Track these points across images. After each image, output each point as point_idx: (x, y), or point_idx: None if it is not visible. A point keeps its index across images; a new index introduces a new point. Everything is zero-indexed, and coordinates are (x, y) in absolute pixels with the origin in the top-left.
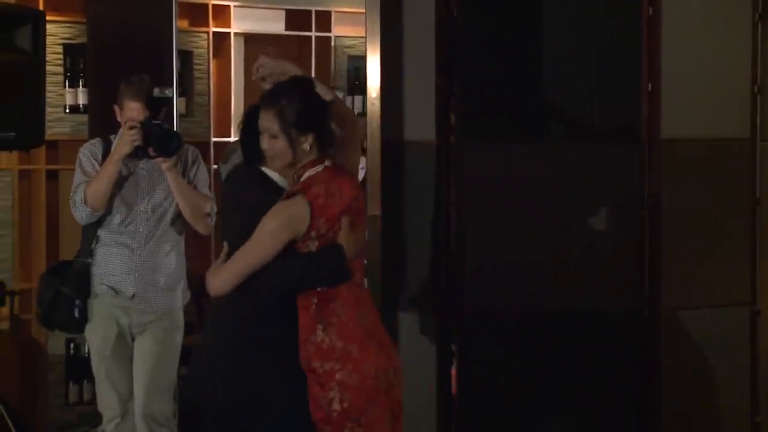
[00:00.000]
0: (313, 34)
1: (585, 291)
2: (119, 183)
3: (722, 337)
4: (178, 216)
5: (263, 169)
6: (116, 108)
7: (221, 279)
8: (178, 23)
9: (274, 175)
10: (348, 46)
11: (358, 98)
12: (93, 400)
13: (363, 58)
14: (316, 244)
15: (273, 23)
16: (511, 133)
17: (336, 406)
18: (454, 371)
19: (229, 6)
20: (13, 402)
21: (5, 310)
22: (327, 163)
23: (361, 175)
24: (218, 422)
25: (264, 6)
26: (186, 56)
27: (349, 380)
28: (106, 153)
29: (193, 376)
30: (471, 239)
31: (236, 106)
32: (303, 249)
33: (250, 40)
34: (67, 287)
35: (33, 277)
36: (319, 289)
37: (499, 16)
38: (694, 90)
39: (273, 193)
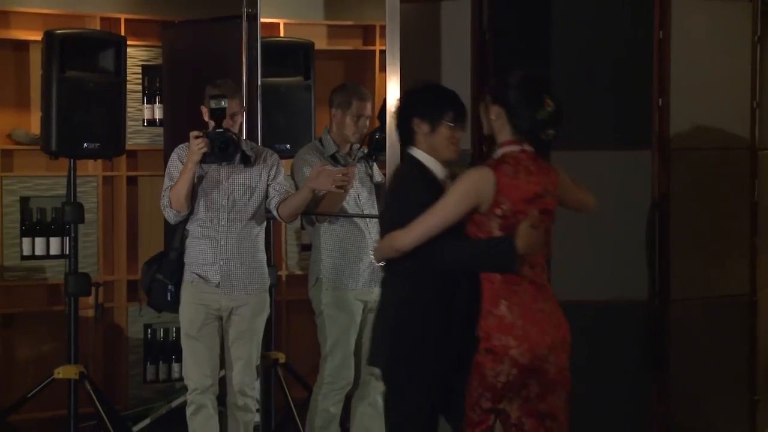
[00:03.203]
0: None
1: (601, 283)
2: (204, 183)
3: (724, 325)
4: (258, 208)
5: (413, 152)
6: (203, 109)
7: (403, 238)
8: None
9: (423, 157)
10: None
11: None
12: (168, 379)
13: None
14: (498, 224)
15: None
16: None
17: (503, 378)
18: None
19: None
20: (99, 380)
21: (91, 299)
22: (526, 147)
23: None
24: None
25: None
26: None
27: (521, 359)
28: None
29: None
30: None
31: None
32: (486, 224)
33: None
34: (161, 274)
35: (115, 270)
36: None
37: (528, 38)
38: (700, 104)
39: (414, 172)
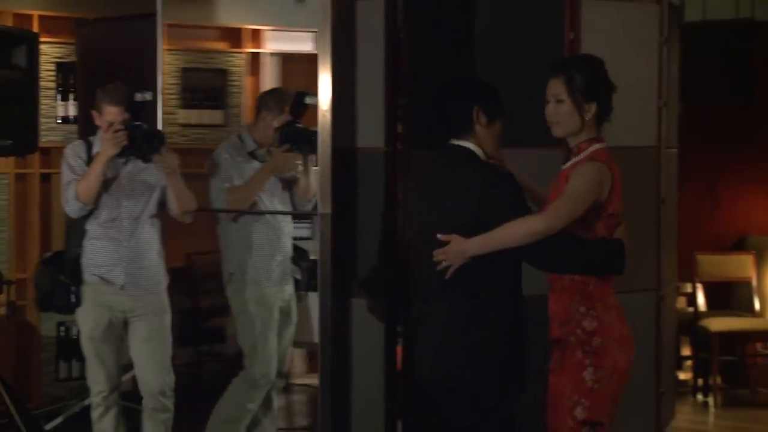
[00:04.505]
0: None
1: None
2: (106, 183)
3: (632, 319)
4: (157, 210)
5: (468, 145)
6: (94, 113)
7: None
8: (218, 45)
9: (477, 151)
10: None
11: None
12: (81, 377)
13: None
14: (605, 224)
15: (303, 44)
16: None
17: (606, 383)
18: (399, 349)
19: (261, 30)
20: (10, 378)
21: (3, 297)
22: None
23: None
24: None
25: (295, 29)
26: (222, 74)
27: (620, 364)
28: (88, 153)
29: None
30: None
31: None
32: (593, 223)
33: (283, 59)
34: (64, 275)
35: (28, 267)
36: None
37: (441, 37)
38: None
39: (473, 165)
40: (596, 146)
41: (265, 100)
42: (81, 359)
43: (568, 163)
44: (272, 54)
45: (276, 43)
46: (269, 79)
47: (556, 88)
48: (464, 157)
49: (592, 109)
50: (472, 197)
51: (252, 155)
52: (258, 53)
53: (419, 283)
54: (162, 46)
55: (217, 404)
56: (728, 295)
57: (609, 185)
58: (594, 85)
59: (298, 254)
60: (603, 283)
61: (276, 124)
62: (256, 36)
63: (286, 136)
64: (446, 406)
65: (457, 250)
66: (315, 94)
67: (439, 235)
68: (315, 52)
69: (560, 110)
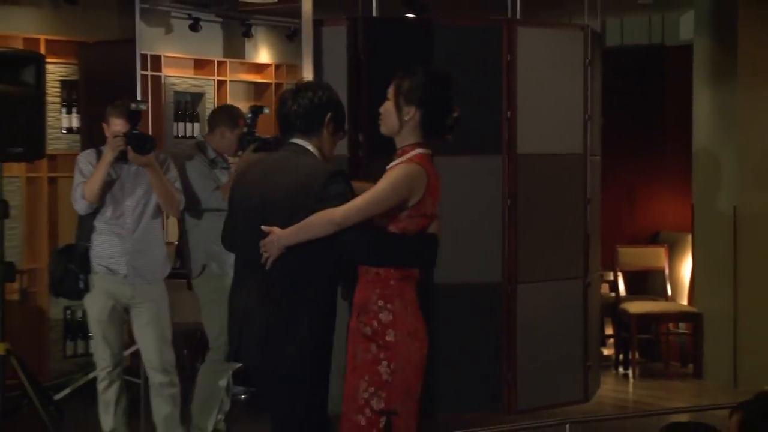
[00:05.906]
0: (149, 73)
1: (464, 268)
2: (110, 185)
3: (563, 303)
4: (156, 209)
5: (308, 146)
6: (104, 125)
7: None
8: None
9: (317, 153)
10: (174, 84)
11: (181, 125)
12: (85, 354)
13: (185, 94)
14: (417, 223)
15: None
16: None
17: (399, 376)
18: None
19: None
20: (23, 356)
21: (16, 285)
22: (430, 151)
23: None
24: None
25: None
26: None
27: (414, 357)
28: (98, 159)
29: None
30: None
31: None
32: (404, 222)
33: None
34: (74, 264)
35: (37, 259)
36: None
37: (396, 58)
38: (542, 116)
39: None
40: (418, 151)
41: (222, 116)
42: (85, 338)
43: (392, 164)
44: None
45: None
46: None
47: (390, 87)
48: (304, 156)
49: (410, 112)
50: (310, 194)
51: (213, 162)
52: None
53: (249, 274)
54: (140, 67)
55: (195, 388)
56: (645, 282)
57: (423, 187)
58: (416, 91)
59: None
60: (404, 278)
61: (234, 136)
62: None
63: (248, 142)
64: (272, 391)
65: (273, 240)
66: (268, 106)
67: (263, 227)
68: None
69: (385, 108)
